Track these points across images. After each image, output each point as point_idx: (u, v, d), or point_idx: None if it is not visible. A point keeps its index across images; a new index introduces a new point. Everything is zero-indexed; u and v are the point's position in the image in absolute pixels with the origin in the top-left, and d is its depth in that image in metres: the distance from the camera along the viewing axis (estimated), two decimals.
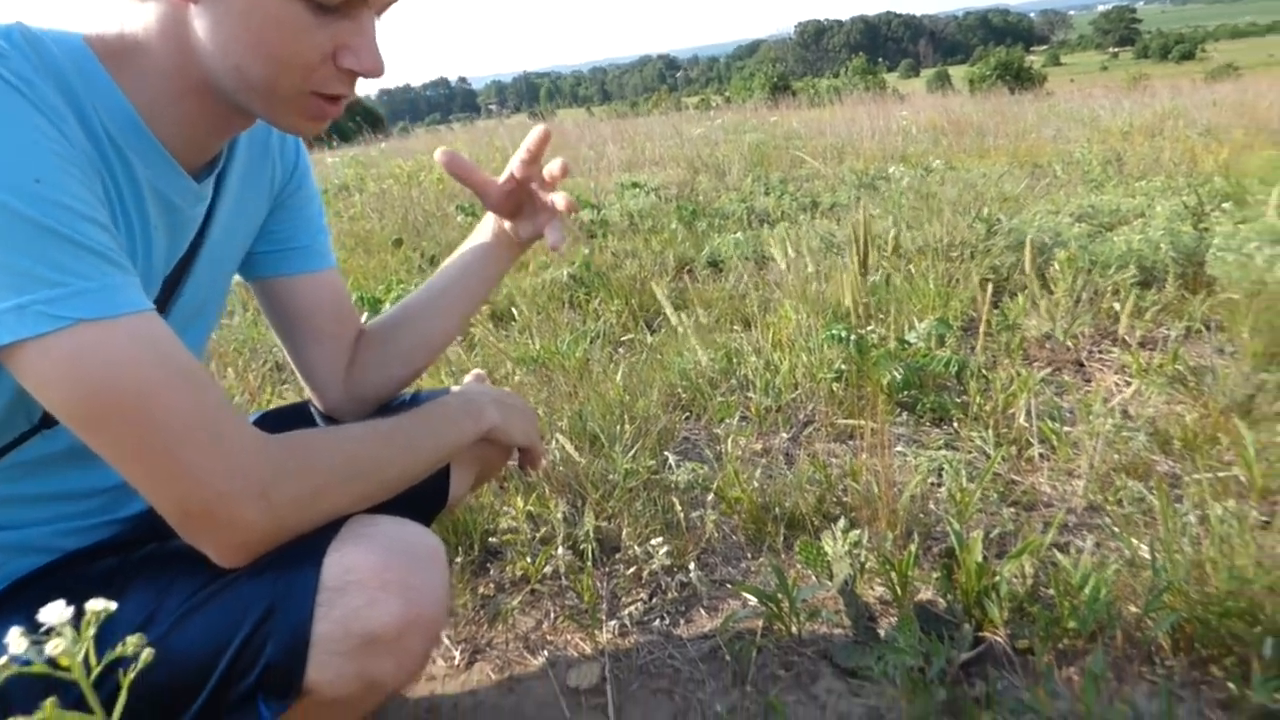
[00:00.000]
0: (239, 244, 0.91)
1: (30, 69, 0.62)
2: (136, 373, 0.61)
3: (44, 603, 0.46)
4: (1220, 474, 1.48)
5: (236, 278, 0.99)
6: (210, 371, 0.65)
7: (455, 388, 1.11)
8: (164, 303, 0.80)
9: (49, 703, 0.44)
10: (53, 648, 0.42)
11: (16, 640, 0.42)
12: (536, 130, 0.92)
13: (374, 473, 0.79)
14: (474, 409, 0.95)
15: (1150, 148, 5.05)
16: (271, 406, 1.14)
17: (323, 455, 0.74)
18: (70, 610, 0.43)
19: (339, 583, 0.71)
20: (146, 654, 0.45)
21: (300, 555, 0.72)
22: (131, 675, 0.44)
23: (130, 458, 0.63)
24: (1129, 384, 1.94)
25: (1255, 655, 0.97)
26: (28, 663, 0.43)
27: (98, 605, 0.44)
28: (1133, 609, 1.16)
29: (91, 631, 0.44)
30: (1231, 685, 1.02)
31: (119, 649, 0.46)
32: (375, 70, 0.69)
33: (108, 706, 0.45)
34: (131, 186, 0.70)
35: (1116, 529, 1.36)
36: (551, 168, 0.94)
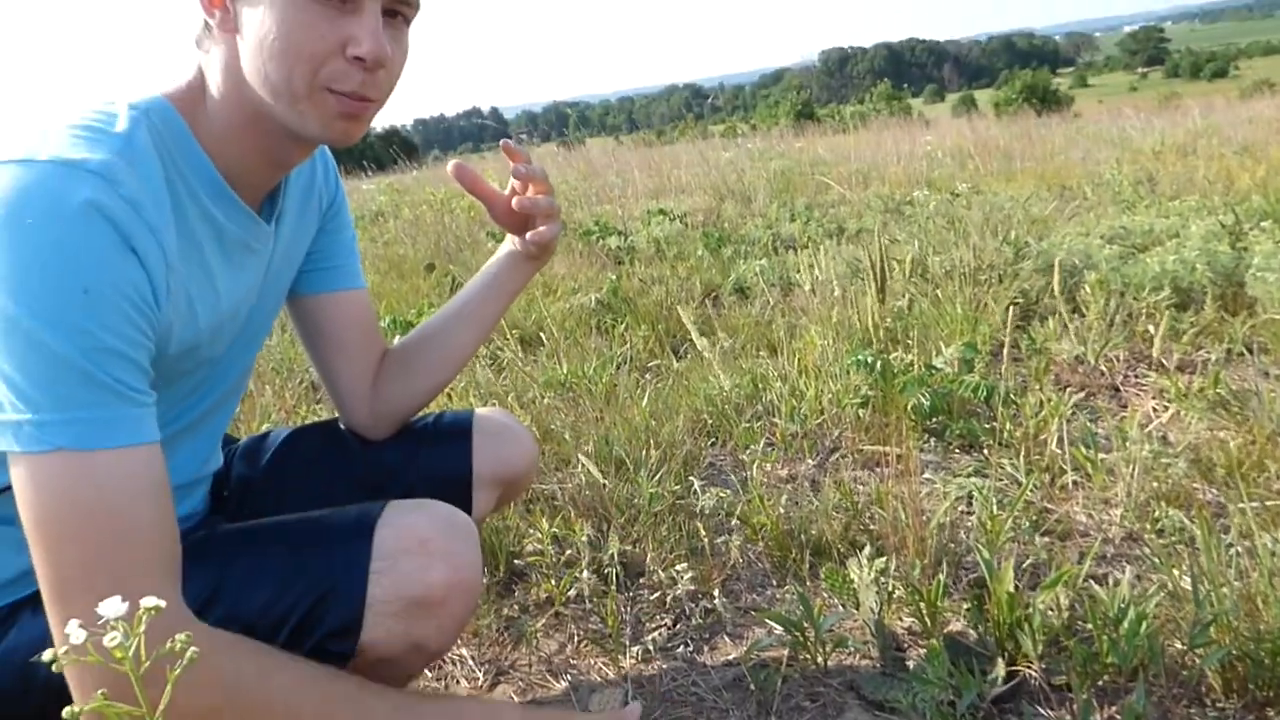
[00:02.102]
0: (293, 270, 0.97)
1: (142, 189, 0.66)
2: (93, 512, 0.63)
3: None
4: (1268, 503, 1.43)
5: None
6: (173, 521, 0.66)
7: (481, 407, 1.13)
8: (236, 334, 0.87)
9: (100, 694, 0.47)
10: (109, 640, 0.44)
11: (76, 632, 0.44)
12: (506, 145, 0.95)
13: None
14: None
15: (1184, 167, 4.97)
16: (303, 424, 1.16)
17: (244, 679, 0.68)
18: (125, 606, 0.45)
19: (392, 550, 0.78)
20: (192, 653, 0.47)
21: (349, 532, 0.80)
22: (178, 672, 0.46)
23: (57, 582, 0.64)
24: (1167, 409, 1.89)
25: None
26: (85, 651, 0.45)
27: (149, 602, 0.47)
28: (1177, 645, 1.12)
29: (142, 627, 0.46)
30: None
31: (168, 645, 0.48)
32: (375, 52, 0.71)
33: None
34: (218, 242, 0.78)
35: (1157, 560, 1.32)
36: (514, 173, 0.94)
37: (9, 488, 0.66)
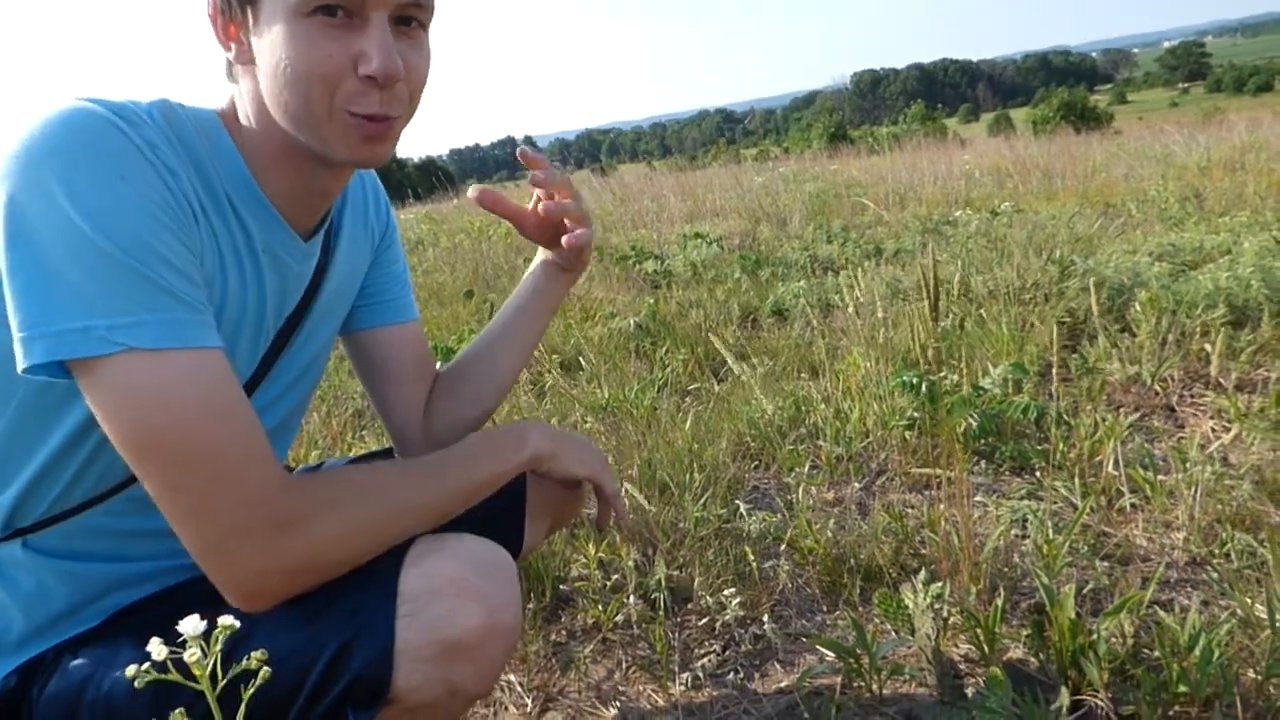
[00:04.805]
0: (346, 302, 0.98)
1: (159, 138, 0.69)
2: (176, 408, 0.64)
3: (146, 631, 0.50)
4: None
5: None
6: (252, 412, 0.69)
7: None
8: (274, 353, 0.85)
9: (178, 713, 0.47)
10: (189, 656, 0.45)
11: (157, 649, 0.45)
12: (523, 152, 0.94)
13: (406, 505, 0.79)
14: (516, 437, 0.92)
15: (1232, 183, 4.86)
16: (356, 454, 1.17)
17: (353, 490, 0.76)
18: (204, 624, 0.46)
19: (420, 592, 0.74)
20: (265, 672, 0.47)
21: (376, 575, 0.76)
22: (252, 689, 0.46)
23: (161, 492, 0.66)
24: (1227, 429, 1.84)
25: None
26: (164, 670, 0.45)
27: (228, 620, 0.47)
28: (1252, 673, 1.08)
29: (219, 646, 0.46)
30: None
31: (244, 663, 0.48)
32: (385, 69, 0.69)
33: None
34: (246, 243, 0.77)
35: (1226, 585, 1.28)
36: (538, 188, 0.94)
37: (63, 516, 0.67)
